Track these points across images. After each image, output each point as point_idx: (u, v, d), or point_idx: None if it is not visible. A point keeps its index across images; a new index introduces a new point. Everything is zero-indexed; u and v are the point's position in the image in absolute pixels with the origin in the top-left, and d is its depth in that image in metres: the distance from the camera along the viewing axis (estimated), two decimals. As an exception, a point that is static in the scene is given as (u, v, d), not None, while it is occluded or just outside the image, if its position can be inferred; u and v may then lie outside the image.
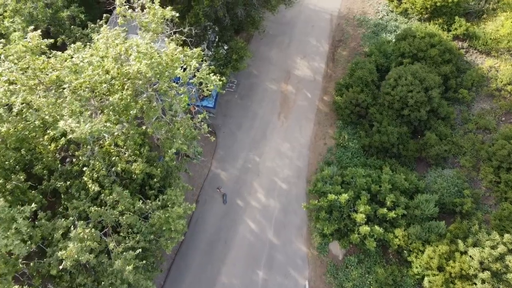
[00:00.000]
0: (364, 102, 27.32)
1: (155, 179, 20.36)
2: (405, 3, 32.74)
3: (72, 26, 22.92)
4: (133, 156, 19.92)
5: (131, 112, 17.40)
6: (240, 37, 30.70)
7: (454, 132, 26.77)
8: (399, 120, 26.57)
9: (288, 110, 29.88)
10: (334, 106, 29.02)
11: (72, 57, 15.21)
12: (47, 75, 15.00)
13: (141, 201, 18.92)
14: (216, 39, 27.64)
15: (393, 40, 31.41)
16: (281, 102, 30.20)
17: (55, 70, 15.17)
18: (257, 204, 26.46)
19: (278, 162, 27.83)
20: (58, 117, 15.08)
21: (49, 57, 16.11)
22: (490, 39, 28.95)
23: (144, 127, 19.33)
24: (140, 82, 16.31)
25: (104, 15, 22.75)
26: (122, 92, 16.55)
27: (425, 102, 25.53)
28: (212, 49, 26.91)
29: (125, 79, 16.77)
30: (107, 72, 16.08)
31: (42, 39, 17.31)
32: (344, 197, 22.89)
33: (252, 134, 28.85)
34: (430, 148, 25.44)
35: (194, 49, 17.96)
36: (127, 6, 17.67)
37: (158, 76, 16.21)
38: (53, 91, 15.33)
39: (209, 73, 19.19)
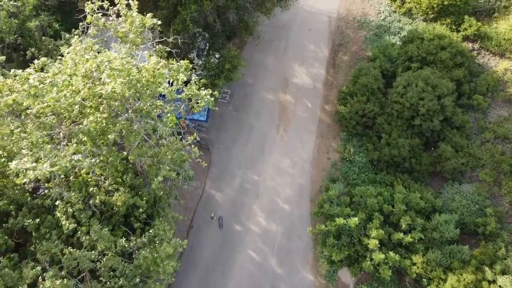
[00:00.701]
0: (371, 112, 24.93)
1: (140, 209, 17.78)
2: (409, 2, 30.48)
3: (43, 37, 20.31)
4: (114, 185, 17.35)
5: (109, 136, 14.88)
6: (232, 44, 28.24)
7: (470, 142, 24.43)
8: (409, 130, 24.20)
9: (287, 122, 27.43)
10: (337, 116, 26.62)
11: (29, 78, 12.64)
12: (2, 98, 12.43)
13: (124, 239, 16.34)
14: (207, 47, 25.13)
15: (398, 42, 29.12)
16: (279, 113, 27.74)
17: (13, 93, 12.60)
18: (257, 228, 23.94)
19: (279, 181, 25.35)
20: (15, 150, 12.51)
21: (5, 77, 13.54)
22: (504, 39, 26.71)
23: (125, 153, 16.76)
24: (117, 103, 13.76)
25: (81, 23, 20.17)
26: (97, 115, 13.97)
27: (438, 110, 23.18)
28: (203, 58, 24.40)
29: (99, 100, 14.22)
30: (77, 92, 13.52)
31: (9, 52, 14.79)
32: (354, 221, 20.44)
33: (249, 150, 26.36)
34: (446, 161, 23.08)
35: (181, 61, 15.44)
36: (100, 14, 15.13)
37: (138, 95, 13.68)
38: (9, 118, 12.77)
39: (199, 88, 16.73)
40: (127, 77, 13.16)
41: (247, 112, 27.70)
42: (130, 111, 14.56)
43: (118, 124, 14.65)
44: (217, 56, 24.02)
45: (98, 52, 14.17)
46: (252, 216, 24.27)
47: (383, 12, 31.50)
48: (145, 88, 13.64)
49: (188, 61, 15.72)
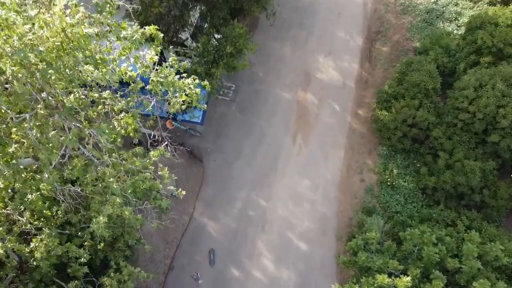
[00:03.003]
0: (424, 121, 18.17)
1: (80, 259, 11.43)
2: (470, -19, 23.67)
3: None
4: (35, 223, 10.99)
5: (9, 150, 8.56)
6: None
7: None
8: (479, 149, 17.41)
9: (307, 129, 20.84)
10: (375, 125, 19.95)
11: None
12: None
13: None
14: (205, 26, 18.62)
15: (456, 31, 22.36)
16: (297, 118, 21.17)
17: None
18: (262, 274, 17.42)
19: (294, 209, 18.77)
20: None
21: None
22: None
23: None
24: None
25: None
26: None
27: (523, 123, 16.37)
28: (197, 39, 17.95)
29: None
30: None
31: None
32: (405, 282, 13.75)
33: (256, 165, 19.84)
34: (533, 195, 16.25)
35: (134, 25, 8.98)
36: None
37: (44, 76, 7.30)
38: None
39: (176, 74, 10.34)
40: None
41: (256, 115, 21.20)
42: (40, 105, 8.16)
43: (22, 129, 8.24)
44: (216, 36, 17.54)
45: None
46: (256, 257, 17.77)
47: (434, -7, 24.70)
48: (53, 56, 7.24)
49: (154, 27, 9.23)
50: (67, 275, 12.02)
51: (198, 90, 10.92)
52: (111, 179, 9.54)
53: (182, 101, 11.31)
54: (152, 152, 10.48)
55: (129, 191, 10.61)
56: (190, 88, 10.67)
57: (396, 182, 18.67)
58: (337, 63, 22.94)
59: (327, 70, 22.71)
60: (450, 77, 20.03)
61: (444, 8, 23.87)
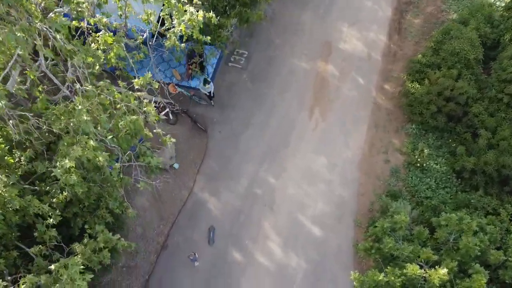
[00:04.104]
0: (464, 95, 15.73)
1: (47, 220, 9.36)
2: (516, -51, 21.04)
3: None
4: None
5: None
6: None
7: None
8: (528, 128, 14.93)
9: (326, 102, 18.53)
10: (405, 99, 17.55)
11: None
12: None
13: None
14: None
15: (499, 3, 19.82)
16: (315, 90, 18.86)
17: None
18: (267, 259, 15.19)
19: (308, 189, 16.48)
20: None
21: None
22: None
23: None
24: None
25: None
26: None
27: None
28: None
29: None
30: None
31: None
32: (441, 274, 11.40)
33: (266, 138, 17.62)
34: None
35: None
36: None
37: None
38: None
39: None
40: None
41: (269, 85, 18.95)
42: None
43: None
44: None
45: None
46: (262, 239, 15.54)
47: (475, -38, 22.12)
48: None
49: None
50: (34, 240, 9.96)
51: (200, 15, 8.75)
52: (83, 114, 7.39)
53: (180, 37, 9.16)
54: (135, 80, 8.28)
55: (109, 136, 8.49)
56: (191, 13, 8.51)
57: (427, 164, 16.25)
58: (362, 34, 20.54)
59: (351, 40, 20.33)
60: (492, 51, 17.55)
61: (485, -21, 21.28)
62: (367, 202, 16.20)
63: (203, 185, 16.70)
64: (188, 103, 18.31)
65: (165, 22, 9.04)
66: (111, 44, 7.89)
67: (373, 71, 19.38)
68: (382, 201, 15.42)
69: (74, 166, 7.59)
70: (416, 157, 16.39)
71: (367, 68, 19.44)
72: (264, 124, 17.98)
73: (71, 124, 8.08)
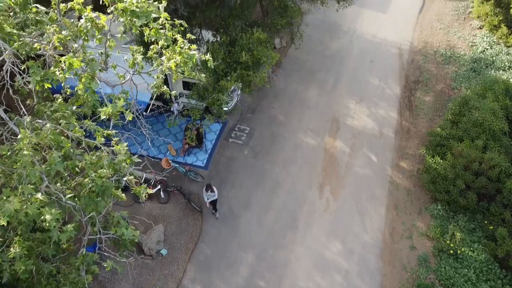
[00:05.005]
0: (494, 168, 13.79)
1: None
2: (521, 30, 20.96)
3: None
4: None
5: None
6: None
7: None
8: None
9: (337, 180, 16.54)
10: (426, 175, 15.55)
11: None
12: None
13: None
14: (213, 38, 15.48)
15: (512, 79, 19.01)
16: (324, 167, 17.01)
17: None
18: None
19: (320, 281, 13.65)
20: None
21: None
22: None
23: None
24: None
25: None
26: None
27: None
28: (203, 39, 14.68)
29: None
30: None
31: None
32: None
33: (269, 220, 15.27)
34: None
35: None
36: None
37: None
38: None
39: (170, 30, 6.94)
40: None
41: (273, 161, 17.18)
42: None
43: None
44: (224, 38, 14.10)
45: None
46: None
47: (480, 44, 21.92)
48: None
49: None
50: None
51: (194, 47, 7.29)
52: (26, 153, 5.42)
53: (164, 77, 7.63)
54: (103, 109, 6.39)
55: (68, 195, 6.40)
56: (184, 42, 7.08)
57: (462, 251, 13.64)
58: (371, 110, 19.39)
59: (360, 117, 19.09)
60: (515, 124, 16.08)
61: (494, 58, 20.82)
62: (394, 298, 13.27)
63: (194, 276, 13.91)
64: (183, 180, 16.35)
65: (153, 62, 7.53)
66: (78, 67, 6.20)
67: (386, 148, 17.74)
68: (413, 297, 12.53)
69: (6, 224, 5.39)
70: (448, 242, 13.85)
71: (380, 145, 17.84)
72: (267, 203, 15.78)
73: (15, 169, 6.04)
